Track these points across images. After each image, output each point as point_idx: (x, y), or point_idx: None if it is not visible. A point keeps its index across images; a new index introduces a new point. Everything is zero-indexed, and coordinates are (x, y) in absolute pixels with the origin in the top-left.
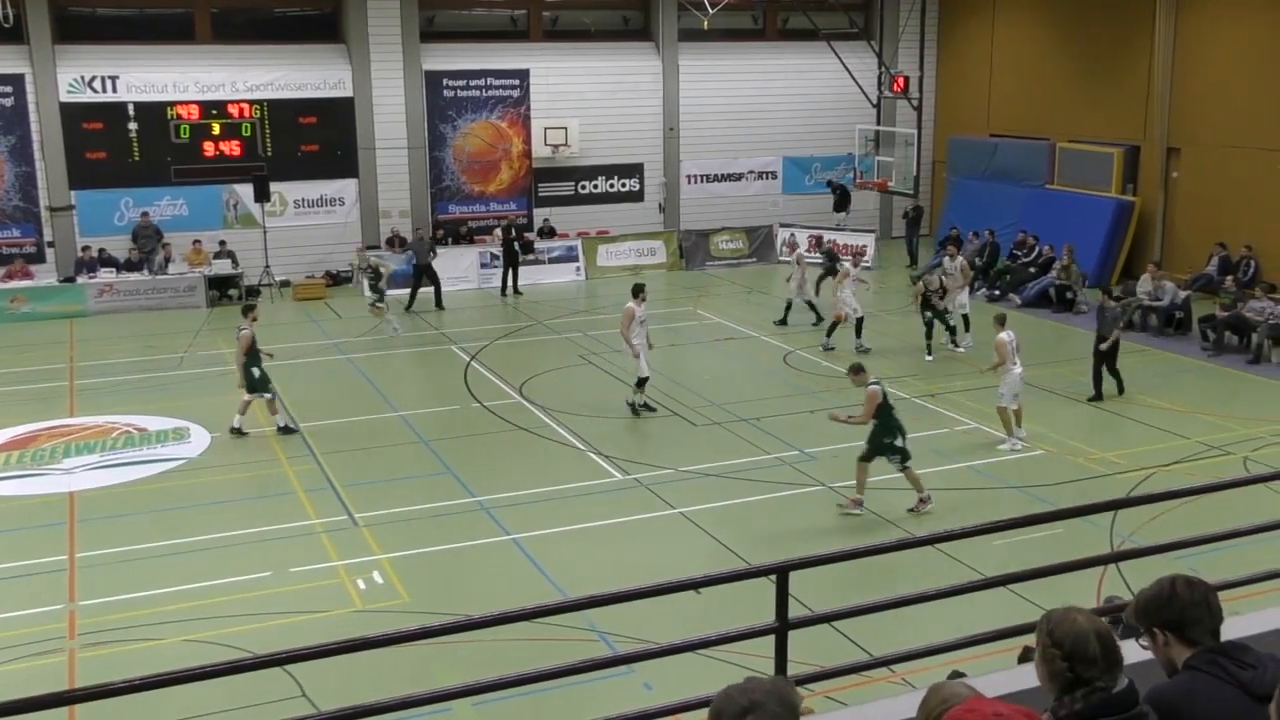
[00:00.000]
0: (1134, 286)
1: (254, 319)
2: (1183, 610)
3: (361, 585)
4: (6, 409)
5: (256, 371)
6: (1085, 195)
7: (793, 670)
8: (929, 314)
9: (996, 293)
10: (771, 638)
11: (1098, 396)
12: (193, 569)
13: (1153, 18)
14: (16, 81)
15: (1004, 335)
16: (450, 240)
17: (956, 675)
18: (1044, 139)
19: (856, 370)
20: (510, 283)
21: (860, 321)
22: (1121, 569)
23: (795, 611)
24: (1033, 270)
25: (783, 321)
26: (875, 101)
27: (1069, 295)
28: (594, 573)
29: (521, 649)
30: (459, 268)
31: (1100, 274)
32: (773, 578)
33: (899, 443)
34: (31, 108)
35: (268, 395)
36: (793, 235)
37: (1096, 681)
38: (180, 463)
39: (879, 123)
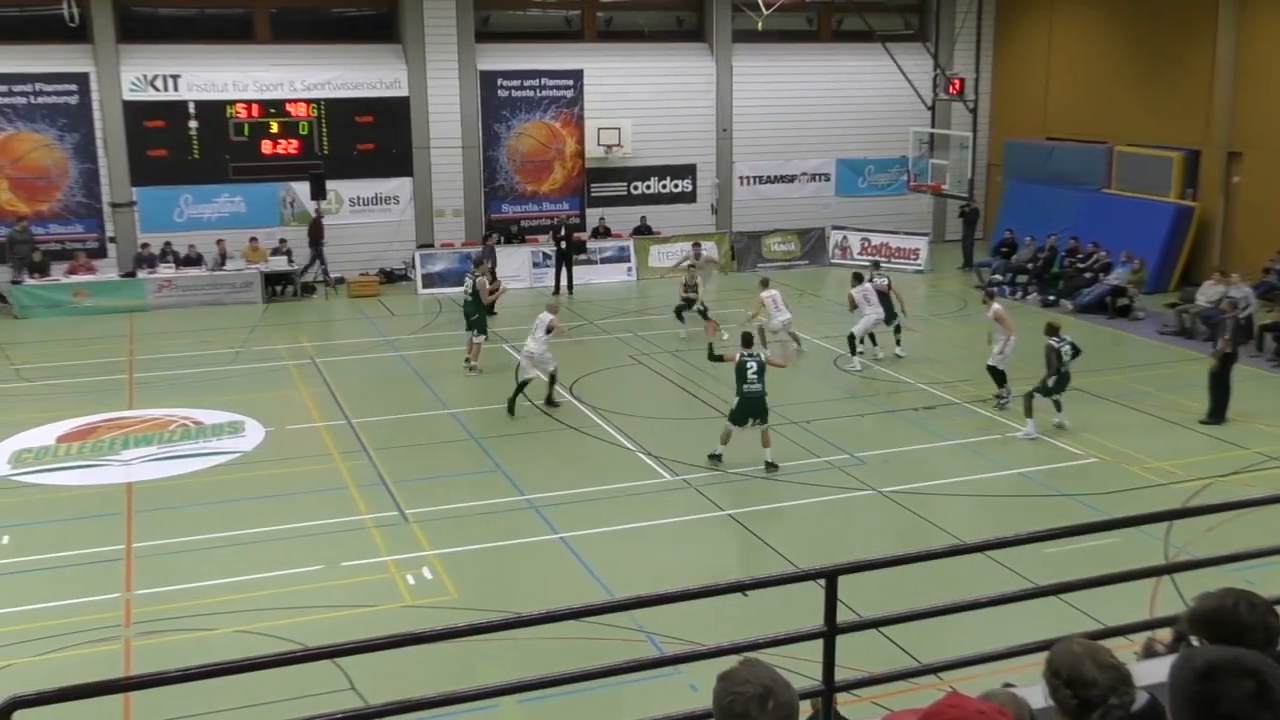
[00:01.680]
0: (1193, 293)
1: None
2: (1239, 631)
3: (411, 581)
4: (68, 401)
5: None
6: (1143, 200)
7: (840, 675)
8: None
9: (1051, 298)
10: (819, 642)
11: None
12: (246, 561)
13: (1215, 19)
14: (81, 80)
15: (998, 306)
16: (502, 240)
17: (1008, 685)
18: (1101, 142)
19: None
20: (565, 282)
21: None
22: (1176, 580)
23: (843, 616)
24: (1088, 276)
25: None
26: (930, 104)
27: (1125, 302)
28: (641, 573)
29: (568, 648)
30: (511, 267)
31: (1158, 280)
32: (821, 581)
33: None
34: (95, 106)
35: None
36: (845, 238)
37: (1109, 700)
38: (235, 456)
39: (934, 125)
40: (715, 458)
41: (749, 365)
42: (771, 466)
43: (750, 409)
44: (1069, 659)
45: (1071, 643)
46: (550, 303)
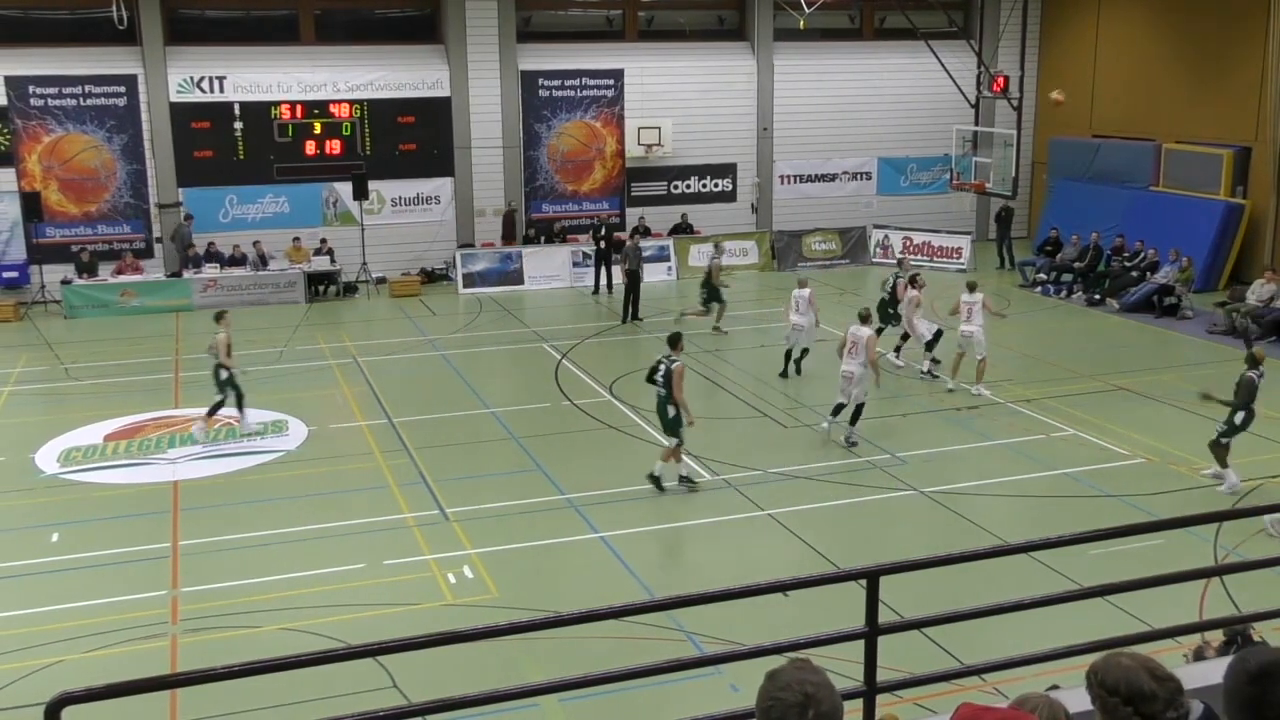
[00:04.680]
0: (1243, 292)
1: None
2: None
3: (452, 579)
4: (116, 399)
5: (224, 374)
6: (1192, 198)
7: (882, 676)
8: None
9: (1096, 297)
10: (861, 643)
11: None
12: (290, 559)
13: (1266, 12)
14: (129, 82)
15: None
16: (543, 239)
17: (1053, 688)
18: (1149, 140)
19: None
20: (606, 281)
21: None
22: (1225, 583)
23: (885, 617)
24: (1134, 275)
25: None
26: (974, 101)
27: (1173, 301)
28: (682, 572)
29: (609, 647)
30: (551, 266)
31: (1207, 279)
32: (863, 582)
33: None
34: (143, 107)
35: (223, 400)
36: (886, 237)
37: (1165, 714)
38: (279, 455)
39: (977, 123)
40: (655, 478)
41: (658, 369)
42: (654, 480)
43: (658, 415)
44: (1124, 674)
45: (1120, 657)
46: (862, 312)
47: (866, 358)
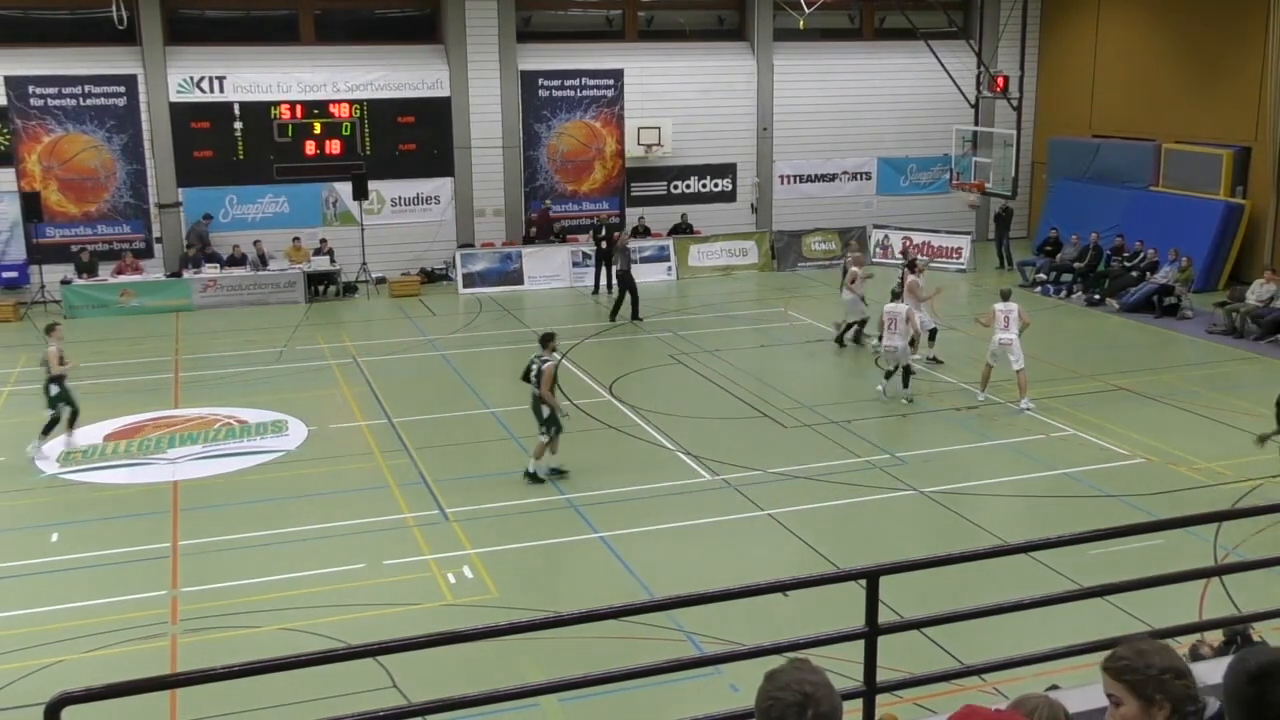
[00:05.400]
0: (1243, 292)
1: (59, 336)
2: None
3: (452, 579)
4: (115, 400)
5: (55, 389)
6: (1192, 198)
7: (882, 676)
8: None
9: (1096, 297)
10: (861, 643)
11: None
12: (289, 559)
13: (1266, 12)
14: (129, 82)
15: (998, 305)
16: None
17: (1052, 688)
18: (1149, 140)
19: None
20: (605, 281)
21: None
22: (1225, 583)
23: (885, 617)
24: (1134, 275)
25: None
26: (973, 101)
27: (1173, 301)
28: (681, 573)
29: (609, 647)
30: (551, 266)
31: (1206, 279)
32: (863, 582)
33: None
34: (143, 107)
35: (58, 416)
36: (886, 237)
37: (1187, 706)
38: (278, 455)
39: (977, 123)
40: (546, 472)
41: (531, 369)
42: (531, 477)
43: (533, 413)
44: (1166, 655)
45: (1144, 643)
46: (894, 289)
47: (906, 329)
